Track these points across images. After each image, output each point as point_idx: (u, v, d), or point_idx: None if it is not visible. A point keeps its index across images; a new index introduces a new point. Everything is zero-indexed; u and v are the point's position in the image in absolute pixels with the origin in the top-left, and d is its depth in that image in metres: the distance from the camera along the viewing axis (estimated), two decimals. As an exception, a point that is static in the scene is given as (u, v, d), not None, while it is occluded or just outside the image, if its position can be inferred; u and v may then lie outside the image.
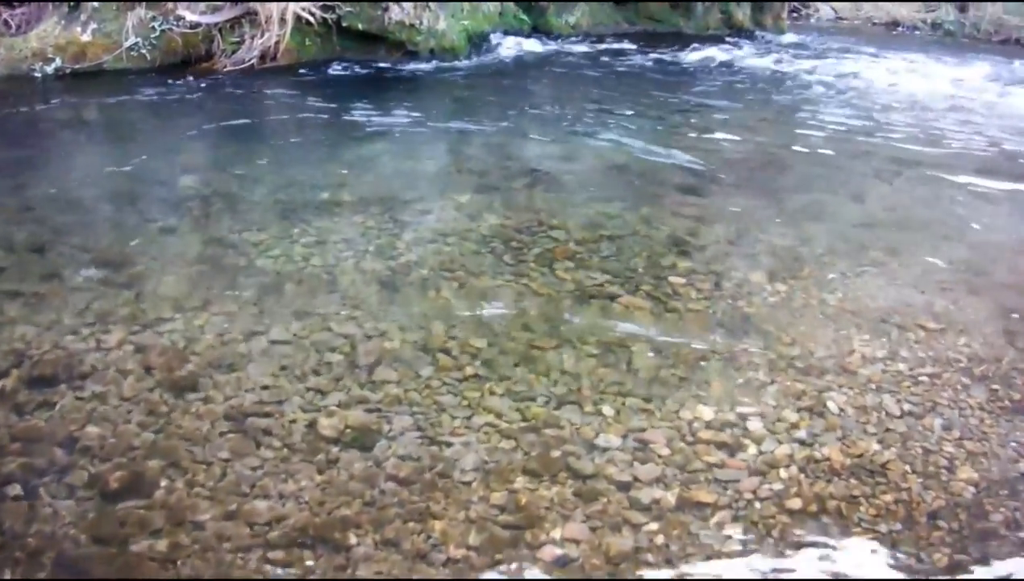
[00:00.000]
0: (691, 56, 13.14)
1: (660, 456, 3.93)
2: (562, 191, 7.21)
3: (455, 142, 8.62)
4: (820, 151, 8.87)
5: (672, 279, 5.63)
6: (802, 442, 4.10)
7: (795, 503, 3.70)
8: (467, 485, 3.70)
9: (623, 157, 8.20)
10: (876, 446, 4.12)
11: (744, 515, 3.62)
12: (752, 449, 4.03)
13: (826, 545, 3.51)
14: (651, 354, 4.76)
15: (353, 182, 7.18)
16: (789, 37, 14.86)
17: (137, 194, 6.68)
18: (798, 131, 9.56)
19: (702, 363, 4.71)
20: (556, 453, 3.92)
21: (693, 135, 9.01)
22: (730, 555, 3.42)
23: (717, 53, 13.44)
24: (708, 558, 3.41)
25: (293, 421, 4.05)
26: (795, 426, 4.22)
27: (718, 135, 9.07)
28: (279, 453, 3.84)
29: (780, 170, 8.21)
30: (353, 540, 3.38)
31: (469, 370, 4.52)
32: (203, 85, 9.96)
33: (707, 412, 4.26)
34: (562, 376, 4.52)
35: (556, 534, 3.46)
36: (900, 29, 15.69)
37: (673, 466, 3.87)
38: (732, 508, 3.66)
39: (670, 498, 3.68)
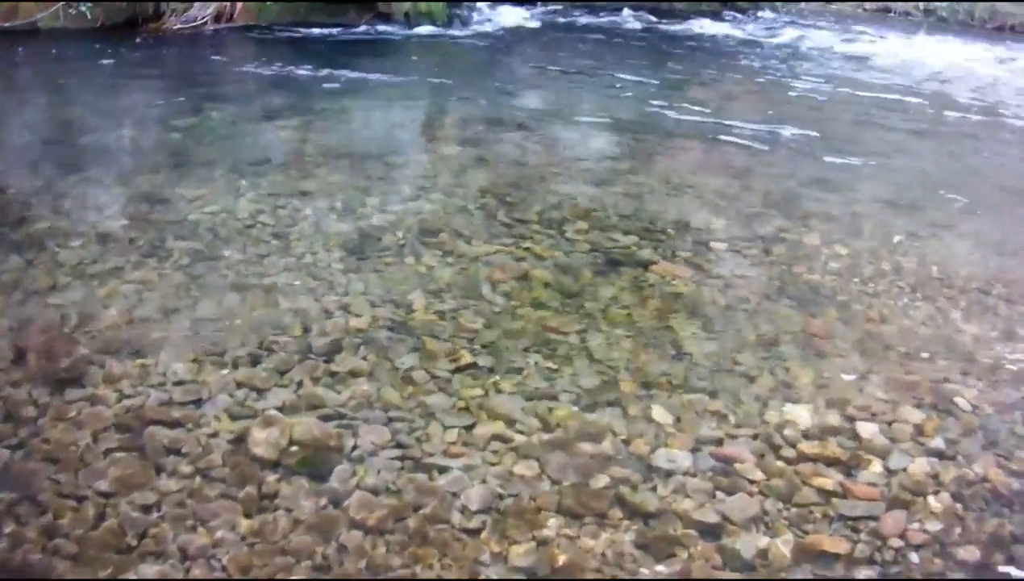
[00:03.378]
0: (689, 28, 11.76)
1: (752, 481, 2.55)
2: (561, 146, 5.83)
3: (433, 98, 7.21)
4: (843, 115, 7.56)
5: (713, 245, 4.26)
6: (941, 455, 2.75)
7: (968, 553, 2.32)
8: (473, 535, 2.28)
9: (627, 116, 6.83)
10: (1040, 458, 2.78)
11: (899, 575, 2.24)
12: (876, 466, 2.66)
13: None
14: (705, 336, 3.39)
15: (315, 135, 5.76)
16: (783, 16, 13.60)
17: (59, 147, 5.30)
18: (814, 97, 8.21)
19: (774, 347, 3.34)
20: (600, 480, 2.52)
21: (702, 97, 7.62)
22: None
23: (718, 26, 12.08)
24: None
25: (214, 433, 2.62)
26: (922, 431, 2.87)
27: (731, 102, 7.73)
28: (189, 483, 2.41)
29: (804, 133, 6.83)
30: (294, 635, 1.97)
31: (465, 358, 3.12)
32: (149, 45, 8.43)
33: (801, 413, 2.89)
34: (591, 366, 3.13)
35: (619, 615, 2.07)
36: (893, 14, 14.51)
37: (774, 496, 2.49)
38: (878, 563, 2.28)
39: (782, 548, 2.29)
